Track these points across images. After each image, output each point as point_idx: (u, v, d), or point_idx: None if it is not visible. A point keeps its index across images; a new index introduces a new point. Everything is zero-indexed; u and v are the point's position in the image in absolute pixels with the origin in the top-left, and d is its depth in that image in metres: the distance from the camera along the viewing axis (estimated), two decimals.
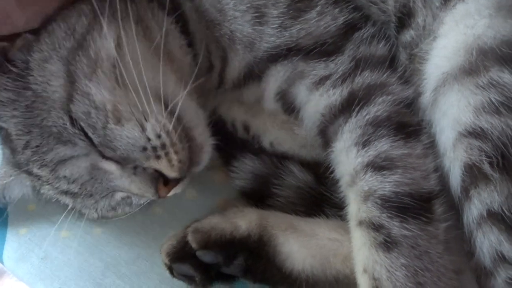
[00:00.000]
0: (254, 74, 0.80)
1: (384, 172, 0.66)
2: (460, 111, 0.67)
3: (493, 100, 0.64)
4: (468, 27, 0.70)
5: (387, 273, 0.62)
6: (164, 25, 0.76)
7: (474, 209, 0.64)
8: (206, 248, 0.72)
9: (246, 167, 0.89)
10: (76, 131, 0.67)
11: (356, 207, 0.68)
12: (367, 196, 0.66)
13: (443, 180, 0.69)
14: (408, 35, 0.79)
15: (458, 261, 0.66)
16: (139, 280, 0.81)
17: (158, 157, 0.68)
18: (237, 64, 0.80)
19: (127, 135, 0.67)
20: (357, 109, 0.71)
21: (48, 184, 0.74)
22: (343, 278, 0.72)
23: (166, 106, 0.70)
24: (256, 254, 0.74)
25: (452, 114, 0.68)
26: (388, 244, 0.63)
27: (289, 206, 0.84)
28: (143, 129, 0.68)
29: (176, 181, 0.72)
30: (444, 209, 0.66)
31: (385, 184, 0.65)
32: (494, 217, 0.62)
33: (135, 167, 0.70)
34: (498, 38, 0.66)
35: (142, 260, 0.83)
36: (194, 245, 0.73)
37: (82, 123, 0.67)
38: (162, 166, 0.69)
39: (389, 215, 0.64)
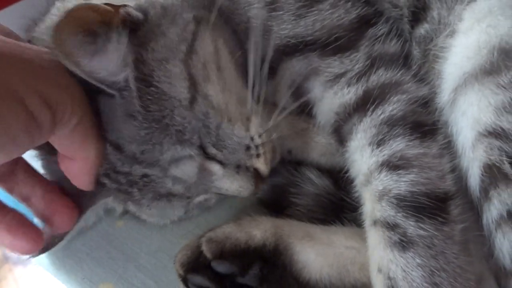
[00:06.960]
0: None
1: (399, 172, 0.69)
2: (480, 110, 0.69)
3: None
4: (491, 26, 0.72)
5: (402, 272, 0.64)
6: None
7: (493, 210, 0.66)
8: (220, 258, 0.75)
9: None
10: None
11: (370, 207, 0.71)
12: (381, 196, 0.69)
13: (460, 181, 0.71)
14: (422, 29, 0.82)
15: (480, 267, 0.68)
16: (159, 272, 0.86)
17: (258, 156, 0.77)
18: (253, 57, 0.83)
19: (236, 134, 0.75)
20: (372, 108, 0.74)
21: (149, 184, 0.76)
22: (361, 287, 0.74)
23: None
24: (271, 263, 0.76)
25: (472, 113, 0.70)
26: (403, 243, 0.65)
27: (308, 214, 0.87)
28: (247, 129, 0.77)
29: (264, 178, 0.81)
30: (460, 211, 0.68)
31: (401, 183, 0.68)
32: None
33: (237, 167, 0.77)
34: None
35: (161, 253, 0.88)
36: (208, 255, 0.76)
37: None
38: (260, 164, 0.78)
39: (404, 214, 0.66)
